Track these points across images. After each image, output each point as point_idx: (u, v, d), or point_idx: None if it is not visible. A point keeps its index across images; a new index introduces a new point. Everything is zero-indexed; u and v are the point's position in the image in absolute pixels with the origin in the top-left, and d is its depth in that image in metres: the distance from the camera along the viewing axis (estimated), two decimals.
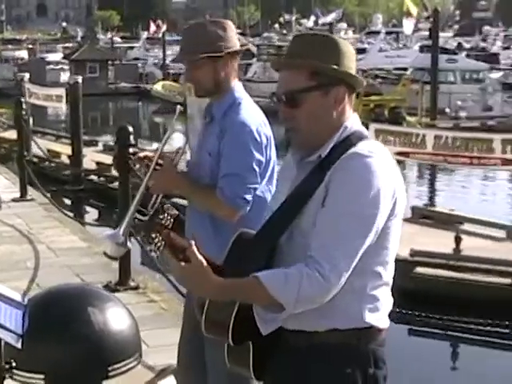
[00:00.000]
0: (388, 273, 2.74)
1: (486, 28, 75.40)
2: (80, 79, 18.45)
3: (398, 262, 2.84)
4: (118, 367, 3.26)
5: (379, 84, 38.90)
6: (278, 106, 2.80)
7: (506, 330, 10.37)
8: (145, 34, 72.54)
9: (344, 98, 2.77)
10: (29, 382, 3.20)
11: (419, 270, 10.80)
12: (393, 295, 2.81)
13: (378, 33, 64.91)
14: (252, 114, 3.83)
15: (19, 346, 2.76)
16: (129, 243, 3.78)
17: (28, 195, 12.36)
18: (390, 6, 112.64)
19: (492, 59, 48.60)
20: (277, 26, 76.71)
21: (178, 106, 4.05)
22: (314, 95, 2.73)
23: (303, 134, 2.76)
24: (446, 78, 36.52)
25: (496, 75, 43.38)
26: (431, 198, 19.83)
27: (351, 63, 2.78)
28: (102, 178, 18.15)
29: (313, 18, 71.40)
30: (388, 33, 66.68)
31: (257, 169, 3.75)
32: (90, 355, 3.20)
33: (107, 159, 18.29)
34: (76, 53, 53.70)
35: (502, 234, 12.90)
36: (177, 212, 3.85)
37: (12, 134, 16.77)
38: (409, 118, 29.98)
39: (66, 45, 73.57)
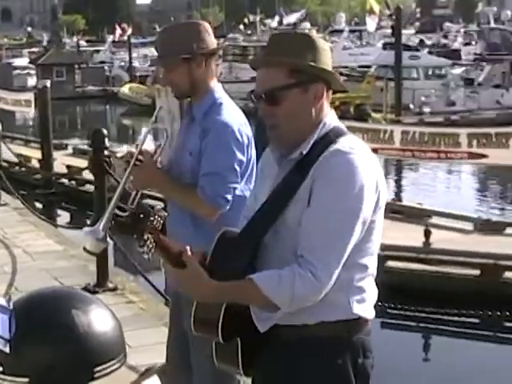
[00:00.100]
0: (373, 264, 2.79)
1: (447, 25, 75.89)
2: (48, 83, 18.34)
3: None
4: (103, 368, 3.23)
5: (344, 81, 39.02)
6: (258, 104, 2.81)
7: (476, 320, 10.48)
8: (110, 38, 72.19)
9: (323, 95, 2.79)
10: None
11: (390, 263, 10.86)
12: None
13: (341, 31, 65.14)
14: (233, 115, 3.83)
15: (7, 350, 2.74)
16: (108, 239, 3.77)
17: (1, 200, 12.28)
18: (351, 4, 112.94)
19: (453, 55, 49.02)
20: (241, 26, 76.70)
21: (159, 104, 4.04)
22: (294, 92, 2.74)
23: (283, 131, 2.76)
24: (409, 74, 36.76)
25: (458, 71, 43.79)
26: (398, 193, 19.94)
27: (328, 60, 2.80)
28: (72, 182, 18.08)
29: (277, 18, 71.48)
30: (351, 31, 66.96)
31: (238, 168, 3.76)
32: (75, 358, 3.17)
33: (77, 162, 18.23)
34: (42, 57, 53.26)
35: (469, 226, 13.02)
36: (166, 214, 3.84)
37: None
38: (374, 115, 30.12)
39: (32, 49, 73.04)
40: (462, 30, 71.86)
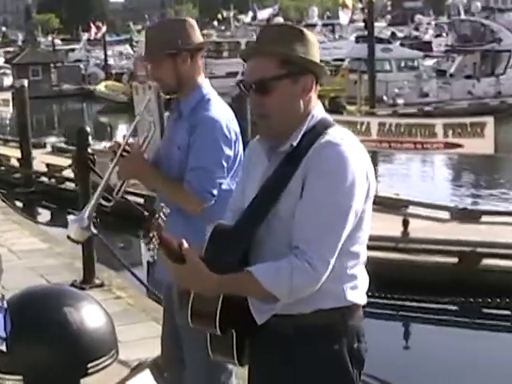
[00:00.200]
0: (363, 252, 2.82)
1: (418, 17, 76.01)
2: (26, 83, 18.25)
3: None
4: (96, 364, 3.23)
5: None
6: (247, 94, 2.82)
7: (455, 307, 10.52)
8: (85, 36, 71.92)
9: (312, 87, 2.81)
10: None
11: (369, 253, 10.83)
12: None
13: (314, 25, 65.11)
14: (221, 111, 3.84)
15: (4, 349, 2.73)
16: (92, 228, 3.77)
17: None
18: None
19: (425, 47, 49.29)
20: (215, 22, 76.62)
21: (147, 97, 4.04)
22: (284, 83, 2.75)
23: (272, 122, 2.77)
24: (382, 66, 36.81)
25: (429, 62, 44.05)
26: None
27: (316, 53, 2.82)
28: (52, 180, 17.99)
29: (250, 13, 71.41)
30: (324, 25, 66.99)
31: (225, 164, 3.77)
32: (69, 354, 3.16)
33: (56, 161, 18.19)
34: (18, 57, 53.02)
35: (446, 215, 13.08)
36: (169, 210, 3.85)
37: None
38: (349, 107, 30.15)
39: (7, 49, 72.71)
40: (433, 22, 72.08)
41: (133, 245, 14.97)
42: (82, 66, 58.45)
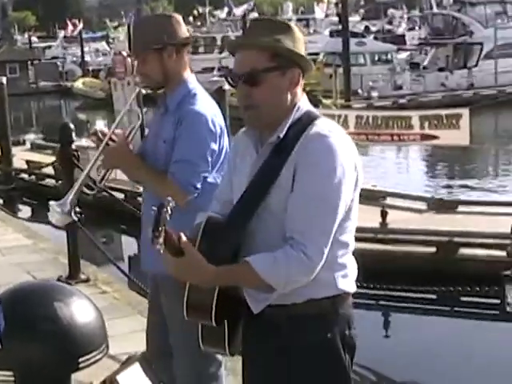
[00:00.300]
0: (352, 240, 2.83)
1: (391, 11, 76.20)
2: (4, 80, 18.11)
3: None
4: (87, 359, 3.23)
5: None
6: (235, 85, 2.82)
7: (433, 296, 10.56)
8: (62, 33, 71.54)
9: (299, 80, 2.84)
10: None
11: None
12: None
13: (289, 20, 64.97)
14: (207, 105, 3.84)
15: None
16: (73, 215, 3.76)
17: None
18: None
19: (398, 40, 49.49)
20: (191, 18, 76.35)
21: (137, 89, 4.01)
22: (273, 75, 2.77)
23: (261, 113, 2.78)
24: (356, 60, 36.95)
25: (403, 55, 44.27)
26: None
27: (302, 47, 2.85)
28: (32, 176, 17.91)
29: (226, 9, 71.30)
30: (299, 20, 66.99)
31: (209, 158, 3.77)
32: (61, 349, 3.15)
33: (36, 157, 18.13)
34: None
35: (423, 205, 13.14)
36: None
37: None
38: (324, 101, 30.18)
39: None
40: (406, 16, 72.34)
41: (114, 239, 14.96)
42: (59, 63, 58.24)
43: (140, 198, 12.52)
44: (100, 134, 3.90)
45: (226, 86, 14.92)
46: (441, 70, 37.42)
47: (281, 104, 2.80)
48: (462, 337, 9.52)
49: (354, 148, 2.79)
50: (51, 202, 3.86)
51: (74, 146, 7.04)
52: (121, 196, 12.72)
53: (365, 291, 10.19)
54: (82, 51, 54.58)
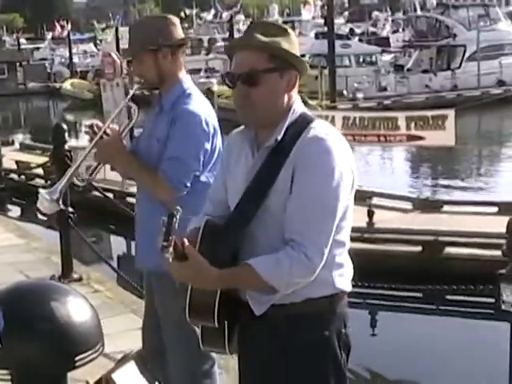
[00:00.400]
0: (348, 239, 2.86)
1: (375, 14, 76.30)
2: None
3: None
4: (83, 357, 3.21)
5: None
6: (233, 85, 2.82)
7: (419, 294, 10.59)
8: (49, 35, 71.33)
9: (295, 83, 2.84)
10: None
11: None
12: None
13: None
14: (200, 105, 3.85)
15: None
16: (61, 203, 3.77)
17: None
18: None
19: (383, 42, 49.57)
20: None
21: (136, 85, 4.02)
22: (272, 76, 2.77)
23: (256, 113, 2.79)
24: (341, 62, 36.97)
25: (387, 57, 44.34)
26: None
27: (297, 51, 2.85)
28: (22, 176, 17.85)
29: (212, 11, 71.28)
30: (284, 22, 66.93)
31: (201, 157, 3.78)
32: (57, 348, 3.14)
33: (25, 158, 18.09)
34: None
35: (408, 205, 13.16)
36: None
37: None
38: (310, 102, 30.13)
39: None
40: (390, 19, 72.43)
41: (103, 239, 14.92)
42: (47, 64, 58.08)
43: (129, 199, 12.63)
44: (95, 128, 3.91)
45: (215, 87, 14.92)
46: (425, 71, 37.51)
47: (277, 105, 2.80)
48: (446, 334, 9.53)
49: (349, 150, 2.81)
50: (41, 190, 3.88)
51: (67, 147, 7.02)
52: (109, 196, 12.68)
53: (351, 290, 10.22)
54: (70, 53, 54.44)
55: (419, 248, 11.07)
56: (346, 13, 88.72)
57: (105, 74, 14.21)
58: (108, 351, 4.95)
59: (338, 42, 34.59)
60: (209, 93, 11.77)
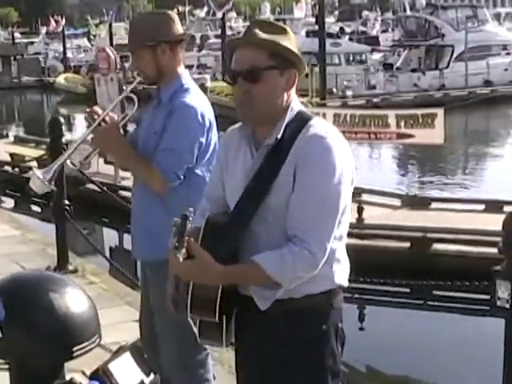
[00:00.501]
0: (345, 234, 2.86)
1: (365, 13, 76.37)
2: None
3: None
4: (81, 348, 3.19)
5: None
6: (233, 82, 2.81)
7: (407, 290, 10.60)
8: (44, 29, 71.13)
9: (294, 81, 2.85)
10: None
11: None
12: None
13: None
14: (197, 99, 3.88)
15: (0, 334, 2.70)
16: (52, 185, 3.78)
17: None
18: None
19: (372, 41, 49.55)
20: None
21: (138, 78, 4.02)
22: (273, 74, 2.78)
23: (256, 110, 2.78)
24: (331, 60, 36.98)
25: (377, 56, 44.37)
26: None
27: (296, 50, 2.86)
28: (16, 169, 17.79)
29: (205, 8, 71.23)
30: (276, 20, 66.83)
31: (195, 150, 3.81)
32: (55, 339, 3.11)
33: (19, 150, 18.06)
34: None
35: (397, 202, 13.18)
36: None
37: None
38: (301, 99, 30.17)
39: None
40: (380, 18, 72.51)
41: (96, 231, 14.88)
42: (41, 58, 57.87)
43: (121, 192, 12.61)
44: (95, 115, 3.92)
45: (208, 83, 14.90)
46: (413, 70, 37.55)
47: (277, 103, 2.80)
48: (434, 328, 9.56)
49: (348, 148, 2.81)
50: (35, 170, 3.90)
51: (63, 140, 6.99)
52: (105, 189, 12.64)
53: None
54: (64, 47, 54.28)
55: (408, 244, 11.09)
56: (337, 12, 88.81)
57: (99, 68, 14.19)
58: (103, 342, 4.97)
59: (328, 41, 34.44)
60: (202, 89, 11.72)
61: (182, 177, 3.78)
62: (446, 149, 20.20)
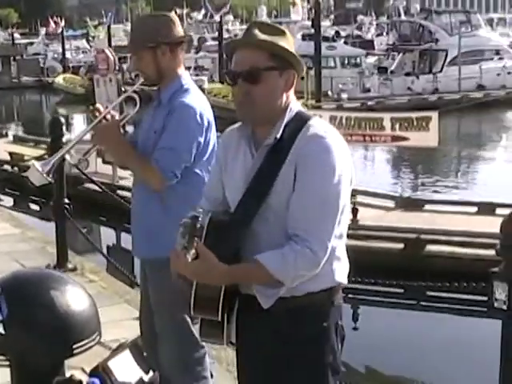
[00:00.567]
0: (345, 233, 2.88)
1: (360, 17, 76.51)
2: None
3: None
4: (81, 345, 3.18)
5: None
6: (233, 83, 2.81)
7: (400, 290, 10.60)
8: (43, 30, 71.12)
9: (293, 82, 2.85)
10: None
11: None
12: None
13: None
14: (197, 99, 3.90)
15: (2, 331, 2.69)
16: (50, 177, 3.79)
17: None
18: None
19: (367, 45, 49.68)
20: None
21: (141, 79, 4.02)
22: (273, 75, 2.78)
23: (256, 110, 2.78)
24: (326, 63, 37.07)
25: (371, 60, 44.42)
26: None
27: (294, 51, 2.85)
28: (15, 168, 17.77)
29: (203, 11, 71.28)
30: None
31: (194, 150, 3.82)
32: (56, 336, 3.10)
33: (18, 149, 18.03)
34: None
35: (391, 203, 13.18)
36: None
37: None
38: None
39: None
40: (374, 23, 72.59)
41: (93, 230, 14.87)
42: (40, 59, 57.94)
43: (119, 191, 12.60)
44: (97, 112, 3.93)
45: (205, 85, 14.88)
46: (407, 74, 37.62)
47: (276, 104, 2.80)
48: (427, 329, 9.56)
49: (347, 147, 2.82)
50: (34, 162, 3.90)
51: (64, 140, 6.99)
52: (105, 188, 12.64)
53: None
54: (63, 48, 54.35)
55: (401, 245, 11.09)
56: (332, 16, 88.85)
57: (98, 69, 14.19)
58: (103, 340, 4.96)
59: (324, 44, 34.68)
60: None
61: (179, 175, 3.79)
62: (439, 151, 20.21)
